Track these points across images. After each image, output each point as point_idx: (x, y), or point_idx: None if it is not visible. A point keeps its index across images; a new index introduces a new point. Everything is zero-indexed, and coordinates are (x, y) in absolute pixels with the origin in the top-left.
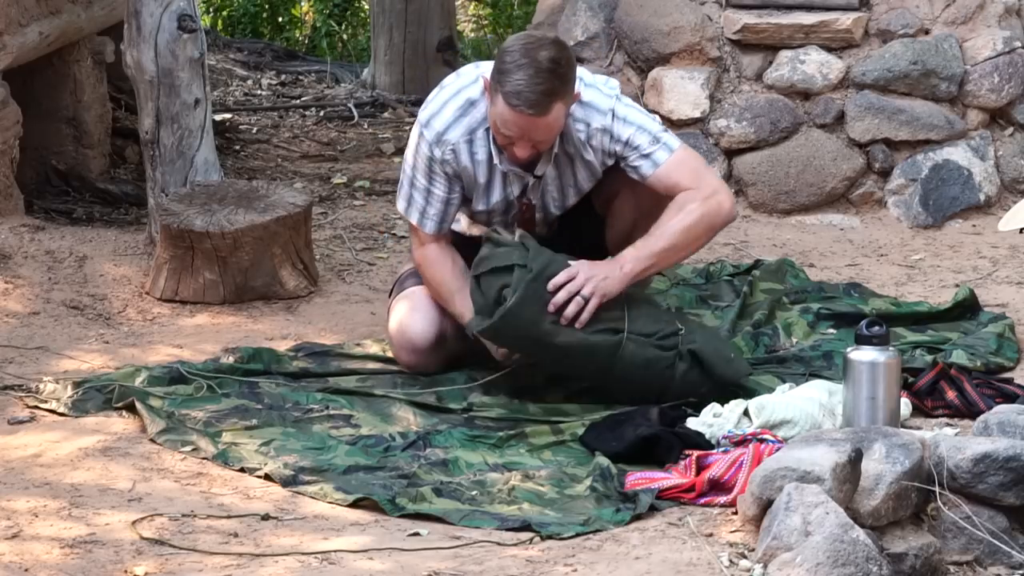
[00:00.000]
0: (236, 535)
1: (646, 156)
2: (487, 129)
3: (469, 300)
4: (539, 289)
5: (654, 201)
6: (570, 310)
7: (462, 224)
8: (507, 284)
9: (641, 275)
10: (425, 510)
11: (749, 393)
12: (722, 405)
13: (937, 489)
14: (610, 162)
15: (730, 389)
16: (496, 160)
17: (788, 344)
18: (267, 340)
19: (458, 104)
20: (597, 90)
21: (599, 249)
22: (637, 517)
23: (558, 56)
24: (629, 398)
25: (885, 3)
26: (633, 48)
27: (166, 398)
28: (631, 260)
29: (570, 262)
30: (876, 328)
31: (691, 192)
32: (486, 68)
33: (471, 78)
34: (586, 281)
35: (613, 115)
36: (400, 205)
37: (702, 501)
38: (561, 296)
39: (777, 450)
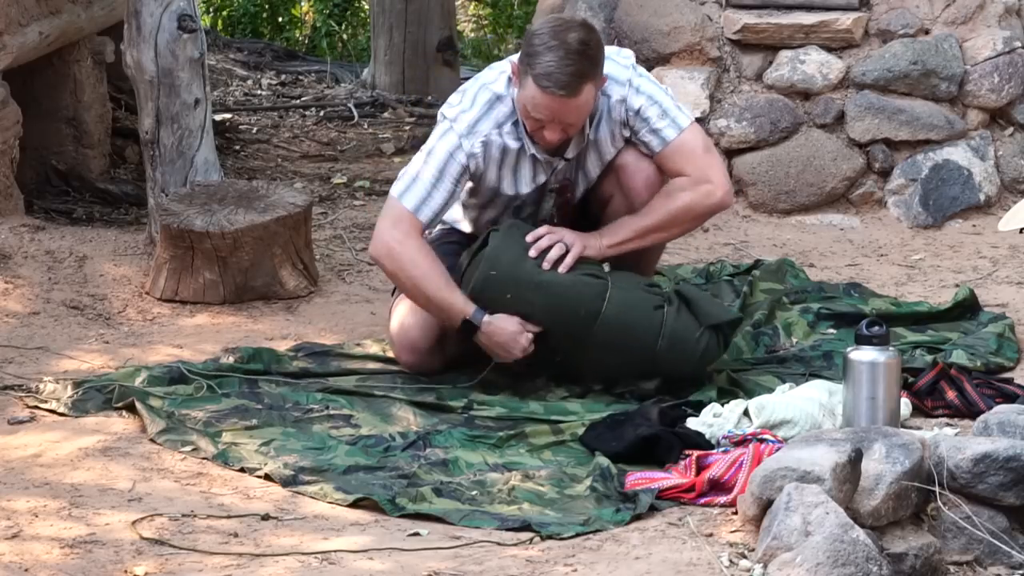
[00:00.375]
0: (236, 535)
1: (654, 131)
2: (515, 122)
3: (461, 302)
4: (515, 235)
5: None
6: (553, 252)
7: (467, 227)
8: (484, 251)
9: (619, 248)
10: (425, 510)
11: (749, 393)
12: (722, 405)
13: (937, 489)
14: (626, 134)
15: (731, 386)
16: (529, 148)
17: (788, 344)
18: (267, 340)
19: (485, 98)
20: (613, 62)
21: None
22: (637, 517)
23: (587, 38)
24: (625, 349)
25: (885, 3)
26: (633, 48)
27: (166, 398)
28: (610, 233)
29: None
30: (876, 328)
31: (685, 179)
32: (506, 66)
33: (493, 76)
34: (566, 232)
35: (630, 84)
36: (396, 188)
37: (702, 501)
38: (543, 242)
39: (777, 450)
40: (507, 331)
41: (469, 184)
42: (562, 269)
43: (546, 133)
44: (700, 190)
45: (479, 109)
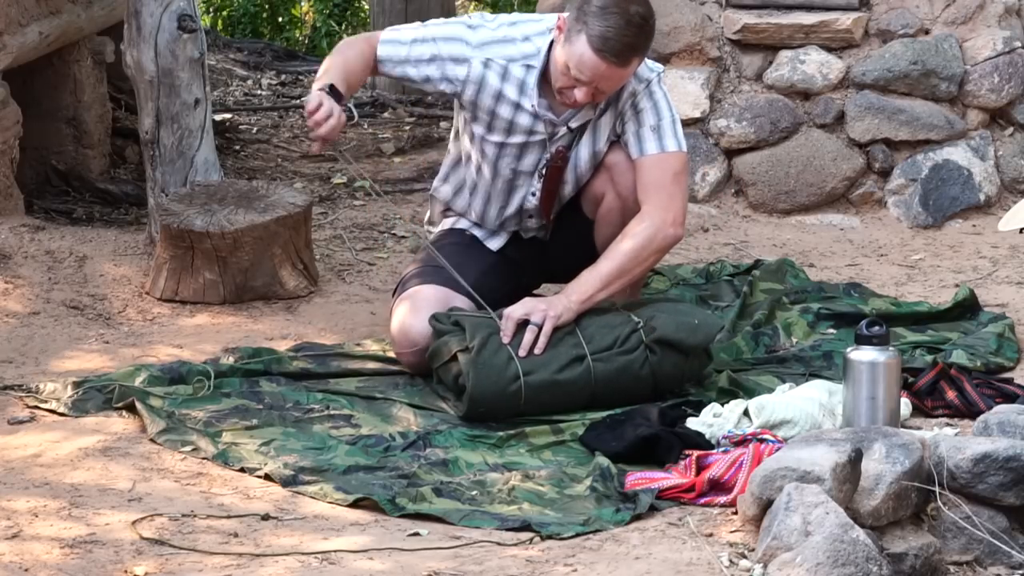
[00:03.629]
0: (236, 535)
1: (638, 137)
2: (525, 66)
3: (324, 76)
4: (488, 359)
5: (638, 204)
6: (526, 338)
7: (446, 223)
8: (460, 373)
9: (589, 302)
10: (425, 510)
11: (749, 393)
12: (722, 405)
13: (937, 489)
14: (618, 129)
15: (731, 386)
16: (533, 101)
17: (788, 344)
18: (267, 340)
19: (511, 33)
20: (644, 63)
21: (590, 252)
22: (637, 517)
23: (648, 14)
24: (623, 402)
25: (885, 3)
26: (653, 38)
27: (166, 398)
28: (576, 290)
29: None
30: (876, 328)
31: (639, 217)
32: (547, 17)
33: (533, 17)
34: (534, 311)
35: (647, 85)
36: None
37: (702, 501)
38: (511, 329)
39: (777, 450)
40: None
41: (464, 107)
42: (537, 350)
43: (577, 92)
44: (657, 224)
45: (499, 36)
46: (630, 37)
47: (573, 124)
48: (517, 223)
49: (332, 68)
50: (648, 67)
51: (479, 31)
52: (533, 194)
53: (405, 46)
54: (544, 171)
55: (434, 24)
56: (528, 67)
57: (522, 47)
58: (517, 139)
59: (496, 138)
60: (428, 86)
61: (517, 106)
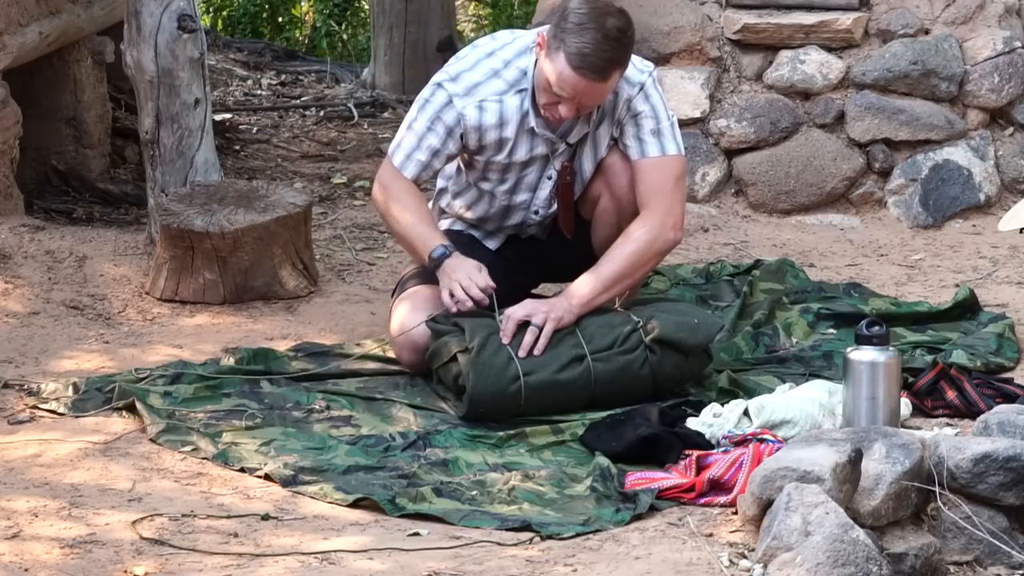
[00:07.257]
0: (236, 535)
1: (639, 140)
2: (520, 90)
3: (430, 237)
4: (488, 360)
5: (635, 206)
6: (527, 340)
7: (443, 224)
8: (460, 373)
9: (589, 305)
10: (425, 510)
11: (749, 393)
12: (722, 405)
13: (937, 489)
14: (615, 133)
15: (731, 386)
16: (532, 122)
17: (788, 344)
18: (267, 340)
19: (492, 64)
20: (632, 65)
21: (588, 252)
22: (637, 517)
23: (625, 26)
24: (624, 402)
25: (885, 3)
26: (633, 48)
27: (166, 398)
28: (577, 293)
29: (506, 311)
30: (876, 328)
31: (639, 220)
32: (523, 34)
33: (507, 39)
34: (535, 312)
35: (641, 88)
36: (391, 147)
37: (702, 501)
38: (511, 328)
39: (777, 450)
40: (463, 266)
41: (466, 155)
42: (537, 351)
43: (561, 108)
44: (657, 227)
45: (483, 73)
46: (608, 52)
47: (571, 140)
48: (515, 229)
49: (420, 232)
50: (638, 68)
51: (460, 79)
52: (535, 212)
53: (420, 151)
54: (556, 189)
55: (420, 112)
56: (520, 91)
57: (506, 75)
58: (519, 160)
59: (499, 164)
60: (453, 156)
61: (518, 131)
